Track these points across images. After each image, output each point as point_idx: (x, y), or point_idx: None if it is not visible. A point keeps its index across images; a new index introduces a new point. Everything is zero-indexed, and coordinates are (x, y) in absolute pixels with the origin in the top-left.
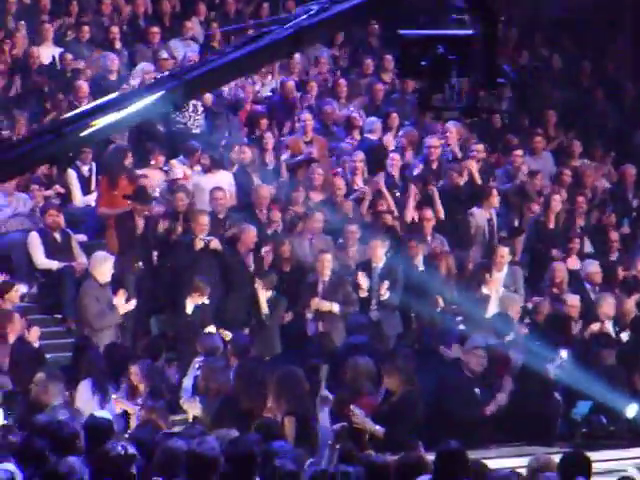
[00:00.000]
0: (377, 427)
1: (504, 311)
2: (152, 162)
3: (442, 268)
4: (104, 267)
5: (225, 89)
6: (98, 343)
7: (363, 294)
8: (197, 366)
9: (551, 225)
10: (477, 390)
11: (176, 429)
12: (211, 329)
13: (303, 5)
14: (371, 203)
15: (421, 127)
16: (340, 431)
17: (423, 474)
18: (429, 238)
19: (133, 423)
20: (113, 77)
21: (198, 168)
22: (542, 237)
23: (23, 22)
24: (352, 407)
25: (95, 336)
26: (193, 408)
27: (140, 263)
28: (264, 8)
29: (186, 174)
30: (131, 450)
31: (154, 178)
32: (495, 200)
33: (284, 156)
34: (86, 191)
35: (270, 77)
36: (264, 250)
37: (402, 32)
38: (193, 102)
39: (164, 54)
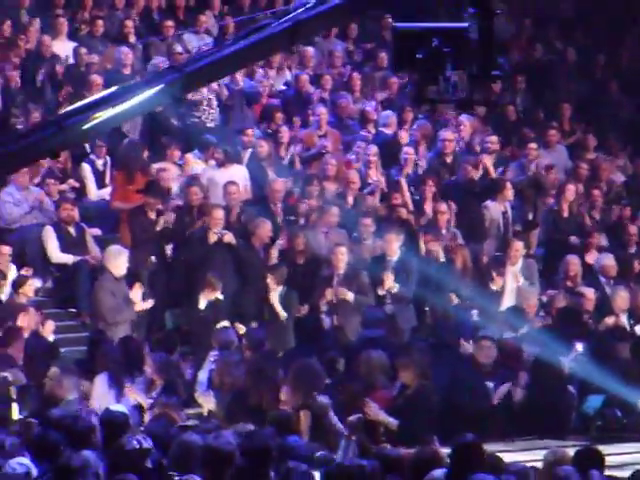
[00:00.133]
0: (391, 419)
1: (519, 304)
2: (168, 156)
3: (458, 262)
4: (119, 261)
5: (240, 82)
6: (112, 337)
7: (382, 292)
8: (212, 359)
9: (565, 214)
10: (490, 383)
11: (190, 423)
12: (225, 324)
13: None
14: (385, 196)
15: (435, 120)
16: (356, 423)
17: (438, 468)
18: (444, 231)
19: (146, 416)
20: (127, 71)
21: (212, 162)
22: (557, 227)
23: (37, 17)
24: (366, 400)
25: (109, 330)
26: (208, 402)
27: (153, 257)
28: (278, 0)
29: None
30: (146, 444)
31: (172, 172)
32: (509, 193)
33: (298, 149)
34: (100, 185)
35: (285, 71)
36: (278, 243)
37: (397, 24)
38: (208, 96)
39: (178, 48)
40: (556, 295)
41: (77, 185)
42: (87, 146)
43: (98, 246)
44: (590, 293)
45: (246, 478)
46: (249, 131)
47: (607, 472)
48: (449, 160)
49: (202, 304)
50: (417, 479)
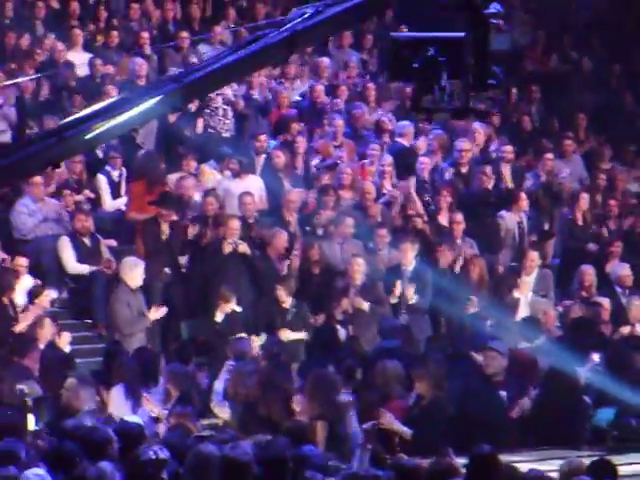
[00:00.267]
0: (405, 429)
1: (534, 315)
2: (184, 167)
3: (474, 272)
4: (135, 272)
5: (255, 93)
6: (128, 348)
7: (394, 300)
8: (228, 370)
9: (579, 223)
10: (503, 393)
11: (206, 433)
12: (242, 335)
13: (298, 8)
14: (401, 207)
15: (450, 130)
16: (371, 430)
17: (454, 479)
18: (459, 242)
19: (162, 428)
20: (142, 82)
21: (228, 173)
22: (573, 237)
23: (52, 28)
24: (381, 409)
25: (125, 341)
26: (223, 412)
27: (166, 269)
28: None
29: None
30: (162, 455)
31: (192, 182)
32: (524, 203)
33: (315, 161)
34: (116, 196)
35: (299, 81)
36: (293, 253)
37: (393, 34)
38: (223, 106)
39: (193, 59)
40: (571, 305)
41: (92, 196)
42: (102, 157)
43: (114, 257)
44: (606, 303)
45: None
46: (262, 137)
47: None
48: (464, 170)
49: (219, 317)
50: None
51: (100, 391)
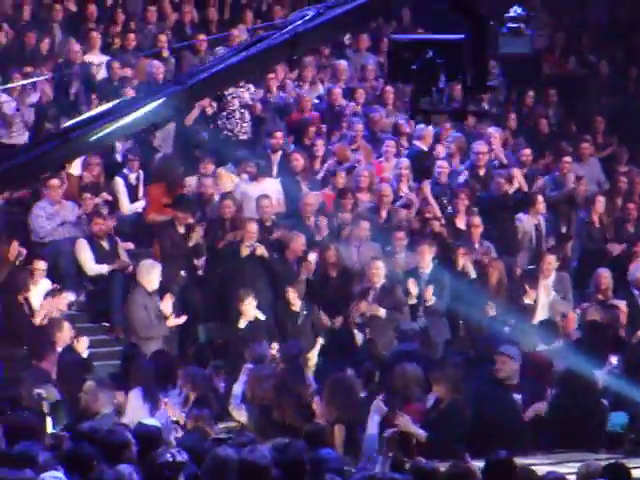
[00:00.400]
0: (420, 431)
1: (552, 318)
2: (201, 170)
3: (493, 276)
4: (152, 275)
5: (272, 96)
6: (145, 351)
7: (412, 301)
8: (246, 373)
9: (597, 225)
10: (518, 396)
11: (223, 436)
12: None
13: (299, 10)
14: (418, 210)
15: (467, 133)
16: (392, 438)
17: None
18: (477, 245)
19: (179, 431)
20: None
21: (245, 176)
22: (591, 239)
23: (70, 31)
24: (397, 412)
25: (142, 344)
26: (240, 415)
27: (182, 272)
28: None
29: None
30: (179, 458)
31: (210, 182)
32: (541, 207)
33: (331, 163)
34: (133, 199)
35: (318, 84)
36: (311, 257)
37: (393, 36)
38: (240, 110)
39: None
40: (587, 308)
41: (110, 199)
42: (120, 160)
43: (131, 260)
44: (623, 306)
45: None
46: (278, 134)
47: None
48: (482, 173)
49: (242, 324)
50: None
51: (118, 394)
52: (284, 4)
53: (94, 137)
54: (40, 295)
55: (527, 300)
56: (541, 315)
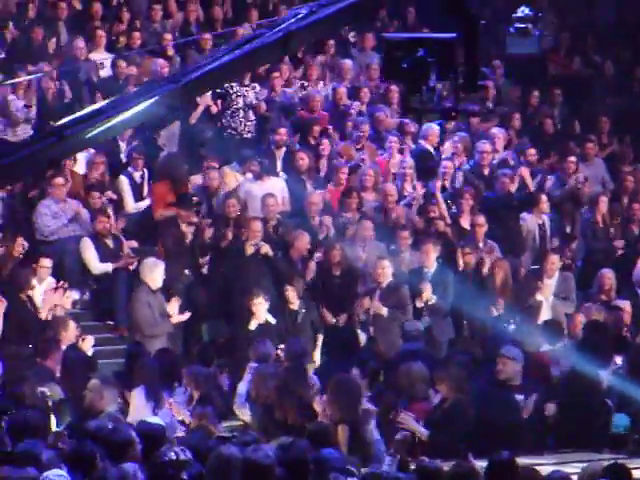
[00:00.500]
0: (422, 430)
1: (556, 318)
2: (207, 165)
3: (498, 275)
4: (155, 273)
5: (277, 95)
6: (149, 349)
7: (420, 304)
8: (251, 371)
9: (600, 225)
10: (520, 396)
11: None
12: None
13: (292, 8)
14: (422, 209)
15: (472, 133)
16: (404, 440)
17: None
18: (481, 244)
19: (183, 430)
20: None
21: (249, 175)
22: (595, 239)
23: (75, 29)
24: (400, 410)
25: (146, 342)
26: (244, 414)
27: (187, 271)
28: None
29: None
30: (183, 456)
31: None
32: (545, 206)
33: (335, 162)
34: (138, 198)
35: (322, 84)
36: (316, 256)
37: (386, 35)
38: (244, 108)
39: None
40: (589, 308)
41: (114, 197)
42: (125, 159)
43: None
44: (627, 306)
45: None
46: (282, 130)
47: None
48: (486, 172)
49: (253, 325)
50: None
51: (122, 393)
52: (289, 2)
53: (89, 134)
54: (46, 292)
55: (531, 300)
56: (545, 315)
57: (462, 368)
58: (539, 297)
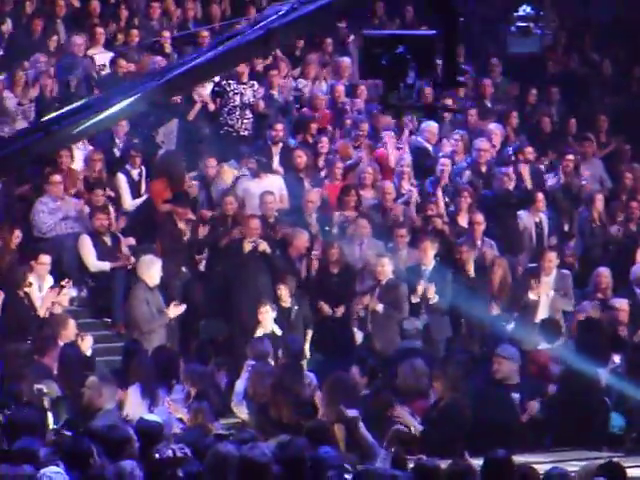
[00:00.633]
0: (416, 425)
1: (553, 316)
2: (204, 165)
3: (497, 274)
4: (152, 270)
5: (275, 92)
6: (147, 346)
7: (416, 299)
8: (248, 369)
9: (597, 223)
10: (516, 395)
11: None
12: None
13: (273, 5)
14: (420, 207)
15: (470, 131)
16: (396, 432)
17: None
18: (479, 243)
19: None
20: None
21: (246, 172)
22: (593, 238)
23: (73, 26)
24: (396, 405)
25: (144, 339)
26: (241, 412)
27: (184, 268)
28: None
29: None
30: (179, 453)
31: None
32: (542, 204)
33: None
34: (135, 195)
35: (320, 81)
36: (313, 254)
37: (365, 32)
38: (241, 106)
39: None
40: (584, 306)
41: (112, 195)
42: (122, 156)
43: (134, 255)
44: (624, 304)
45: None
46: (278, 126)
47: None
48: (484, 170)
49: (259, 333)
50: None
51: (118, 390)
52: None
53: (76, 129)
54: (45, 289)
55: (529, 298)
56: (543, 313)
57: (460, 367)
58: (536, 295)
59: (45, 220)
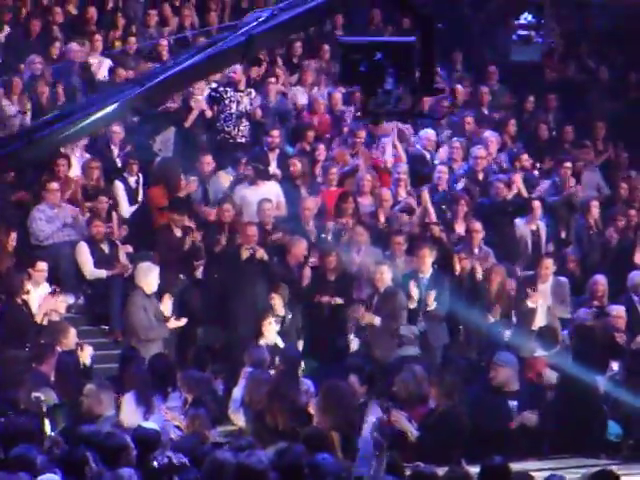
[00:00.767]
0: (412, 430)
1: (550, 323)
2: (201, 167)
3: (494, 282)
4: (150, 277)
5: (272, 99)
6: (144, 354)
7: (412, 305)
8: (246, 377)
9: (594, 230)
10: (513, 402)
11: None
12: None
13: (253, 12)
14: (418, 214)
15: (467, 138)
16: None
17: None
18: (477, 250)
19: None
20: None
21: (243, 179)
22: (590, 245)
23: (70, 34)
24: (394, 410)
25: (142, 347)
26: (238, 419)
27: (181, 275)
28: None
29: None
30: (176, 460)
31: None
32: (538, 212)
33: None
34: (133, 202)
35: (317, 88)
36: (311, 261)
37: (342, 38)
38: (238, 113)
39: None
40: (579, 314)
41: (110, 202)
42: (119, 164)
43: (132, 263)
44: (621, 311)
45: None
46: (275, 132)
47: None
48: (480, 177)
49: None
50: None
51: (115, 397)
52: None
53: (58, 137)
54: (41, 297)
55: (526, 306)
56: (540, 321)
57: (458, 374)
58: (533, 303)
59: (42, 228)
